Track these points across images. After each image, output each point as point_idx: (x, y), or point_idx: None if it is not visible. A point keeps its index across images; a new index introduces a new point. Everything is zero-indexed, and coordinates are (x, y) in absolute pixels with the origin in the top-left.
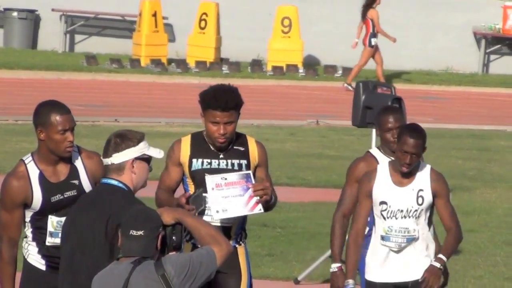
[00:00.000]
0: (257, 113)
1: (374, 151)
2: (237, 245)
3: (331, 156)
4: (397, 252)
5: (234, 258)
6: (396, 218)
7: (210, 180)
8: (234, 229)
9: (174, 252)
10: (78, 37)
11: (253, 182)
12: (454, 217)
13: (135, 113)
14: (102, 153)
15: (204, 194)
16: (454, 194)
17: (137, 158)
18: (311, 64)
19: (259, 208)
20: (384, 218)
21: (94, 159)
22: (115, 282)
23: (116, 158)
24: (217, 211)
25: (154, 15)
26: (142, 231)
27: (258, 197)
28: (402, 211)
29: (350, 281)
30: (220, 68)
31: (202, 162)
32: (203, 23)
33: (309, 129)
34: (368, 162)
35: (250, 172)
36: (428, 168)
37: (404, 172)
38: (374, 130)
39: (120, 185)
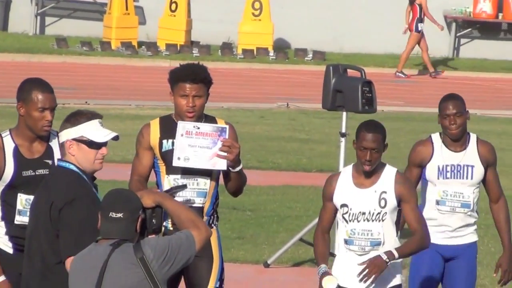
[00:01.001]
0: (227, 96)
1: (435, 136)
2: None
3: (301, 139)
4: (361, 256)
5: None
6: (358, 221)
7: (182, 126)
8: (206, 209)
9: (153, 236)
10: (48, 20)
11: (227, 137)
12: (422, 221)
13: (105, 96)
14: None
15: (177, 186)
16: None
17: (75, 140)
18: (281, 47)
19: (223, 165)
20: (347, 221)
21: None
22: (93, 264)
23: (60, 137)
24: (179, 158)
25: None
26: (122, 214)
27: (223, 153)
28: (364, 213)
29: (323, 266)
30: (191, 51)
31: (173, 143)
32: (173, 6)
33: (279, 112)
34: (425, 146)
35: (227, 126)
36: (393, 170)
37: (366, 171)
38: (344, 113)
39: (71, 166)
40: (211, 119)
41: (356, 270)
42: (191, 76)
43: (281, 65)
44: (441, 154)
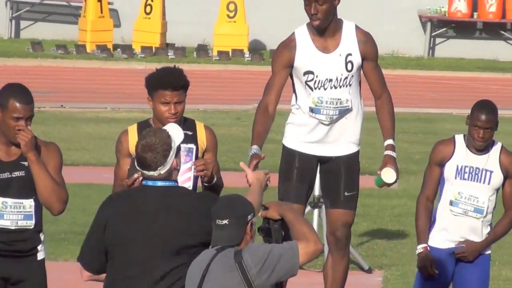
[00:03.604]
0: (203, 98)
1: (458, 137)
2: None
3: (277, 141)
4: (328, 125)
5: None
6: (325, 89)
7: None
8: None
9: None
10: (23, 23)
11: (193, 158)
12: (384, 83)
13: (81, 99)
14: (142, 169)
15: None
16: (400, 178)
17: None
18: (256, 48)
19: (189, 185)
20: (312, 89)
21: (49, 148)
22: (200, 267)
23: (164, 169)
24: None
25: (99, 0)
26: (227, 220)
27: (194, 173)
28: (331, 80)
29: (254, 147)
30: (166, 54)
31: None
32: (148, 8)
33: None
34: (446, 146)
35: (194, 146)
36: (352, 27)
37: (318, 26)
38: None
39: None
40: (190, 122)
41: (319, 138)
42: (173, 84)
43: (257, 66)
44: (462, 154)
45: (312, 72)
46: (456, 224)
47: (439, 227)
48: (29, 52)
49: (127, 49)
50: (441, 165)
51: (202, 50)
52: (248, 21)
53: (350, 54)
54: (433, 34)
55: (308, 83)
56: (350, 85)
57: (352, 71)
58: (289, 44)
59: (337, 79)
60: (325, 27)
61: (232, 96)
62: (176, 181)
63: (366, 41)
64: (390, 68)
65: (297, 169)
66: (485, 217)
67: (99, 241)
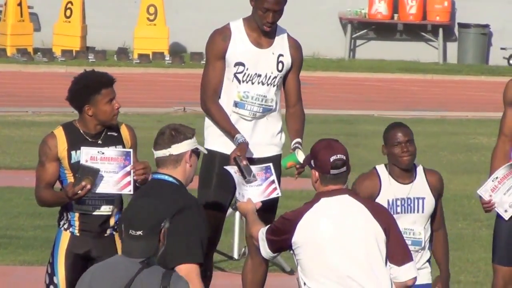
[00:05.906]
0: (124, 101)
1: (380, 168)
2: (114, 233)
3: (199, 142)
4: (250, 121)
5: (112, 245)
6: (252, 83)
7: (85, 152)
8: (114, 217)
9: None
10: None
11: (131, 161)
12: (300, 94)
13: (1, 103)
14: (154, 145)
15: (85, 164)
16: None
17: (192, 151)
18: (177, 51)
19: (129, 189)
20: (239, 82)
21: None
22: (119, 276)
23: (175, 149)
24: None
25: (19, 4)
26: (141, 231)
27: (134, 177)
28: (260, 75)
29: (239, 135)
30: (86, 57)
31: None
32: (68, 12)
33: (176, 116)
34: (371, 180)
35: (131, 150)
36: (285, 32)
37: (267, 32)
38: None
39: (171, 179)
40: (116, 124)
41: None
42: (111, 79)
43: (177, 69)
44: (390, 187)
45: (243, 64)
46: None
47: None
48: None
49: (47, 52)
50: None
51: (123, 53)
52: (169, 24)
53: (282, 55)
54: (353, 36)
55: (237, 75)
56: (276, 86)
57: (281, 72)
58: (223, 32)
59: (266, 76)
60: None
61: (153, 99)
62: (177, 179)
63: (297, 48)
64: (311, 70)
65: (216, 175)
66: (423, 248)
67: None
